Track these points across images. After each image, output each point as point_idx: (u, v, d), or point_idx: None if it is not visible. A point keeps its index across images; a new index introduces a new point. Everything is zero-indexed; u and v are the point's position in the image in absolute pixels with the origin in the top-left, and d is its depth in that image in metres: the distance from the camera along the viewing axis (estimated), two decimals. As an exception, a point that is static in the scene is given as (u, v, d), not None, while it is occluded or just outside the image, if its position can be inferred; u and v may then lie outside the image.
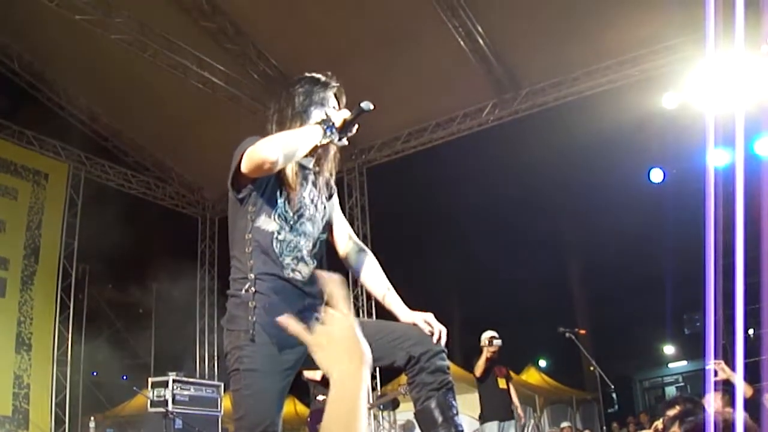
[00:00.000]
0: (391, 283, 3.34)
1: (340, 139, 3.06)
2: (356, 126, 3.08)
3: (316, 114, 3.12)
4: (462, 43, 11.81)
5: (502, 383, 10.03)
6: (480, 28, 11.72)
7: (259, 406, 2.87)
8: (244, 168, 2.85)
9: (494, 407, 9.92)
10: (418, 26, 11.70)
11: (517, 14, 11.52)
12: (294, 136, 2.94)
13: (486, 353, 9.78)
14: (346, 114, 3.04)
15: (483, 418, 10.03)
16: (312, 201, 3.11)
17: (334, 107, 3.19)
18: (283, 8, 11.66)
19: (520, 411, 10.34)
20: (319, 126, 2.98)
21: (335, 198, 3.34)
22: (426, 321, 3.08)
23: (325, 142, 3.02)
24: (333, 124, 2.99)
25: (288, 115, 3.11)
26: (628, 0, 10.84)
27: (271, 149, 2.78)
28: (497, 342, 9.84)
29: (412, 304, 3.20)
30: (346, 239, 3.37)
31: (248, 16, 11.93)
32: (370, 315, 13.43)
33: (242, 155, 2.86)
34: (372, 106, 3.01)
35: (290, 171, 3.03)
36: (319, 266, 3.11)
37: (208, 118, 13.57)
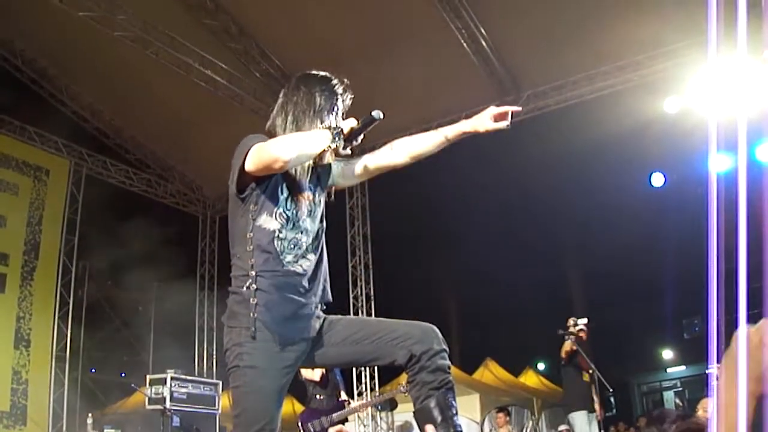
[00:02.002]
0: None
1: (344, 148, 3.06)
2: (362, 136, 3.08)
3: (330, 119, 3.13)
4: (465, 44, 11.83)
5: (586, 377, 10.01)
6: (483, 30, 11.74)
7: (258, 403, 2.87)
8: (251, 166, 2.84)
9: (580, 397, 9.90)
10: (421, 27, 11.71)
11: (519, 17, 11.53)
12: (304, 139, 2.94)
13: (573, 335, 9.84)
14: (353, 123, 3.04)
15: (569, 408, 10.01)
16: (310, 197, 3.11)
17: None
18: (286, 8, 11.68)
19: (597, 406, 10.30)
20: (328, 132, 2.98)
21: (334, 166, 3.31)
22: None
23: (332, 147, 3.01)
24: (341, 131, 2.99)
25: (309, 115, 3.10)
26: (630, 4, 10.85)
27: (285, 149, 2.80)
28: (581, 321, 9.91)
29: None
30: (372, 160, 3.38)
31: (251, 15, 11.94)
32: (369, 315, 13.44)
33: (247, 153, 2.86)
34: (382, 115, 3.01)
35: (296, 170, 3.03)
36: (320, 256, 3.11)
37: (210, 117, 13.59)
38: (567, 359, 9.98)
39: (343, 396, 8.83)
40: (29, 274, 12.85)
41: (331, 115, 3.14)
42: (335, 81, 3.21)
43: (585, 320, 10.03)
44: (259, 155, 2.81)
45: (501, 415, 13.22)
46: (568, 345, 9.88)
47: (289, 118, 3.11)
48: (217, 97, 12.80)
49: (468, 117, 11.75)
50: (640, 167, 14.01)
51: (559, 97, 12.99)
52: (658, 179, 13.04)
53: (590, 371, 10.11)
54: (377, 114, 3.01)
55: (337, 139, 2.97)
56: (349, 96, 3.23)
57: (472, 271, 25.16)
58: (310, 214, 3.09)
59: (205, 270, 16.63)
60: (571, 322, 9.97)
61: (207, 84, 12.43)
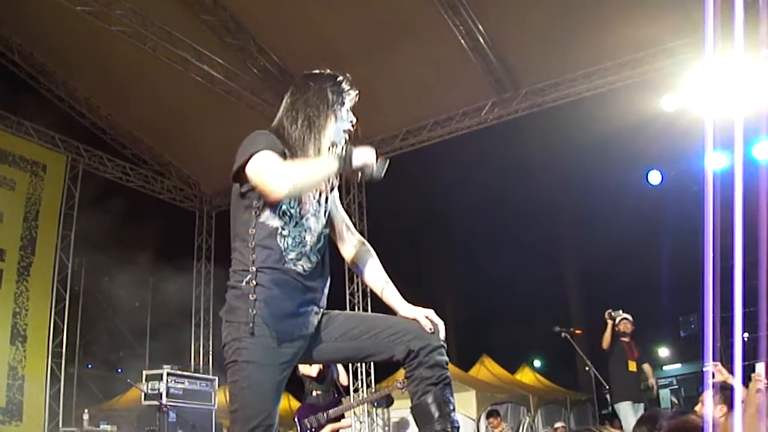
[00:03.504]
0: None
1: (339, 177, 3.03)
2: (360, 176, 2.98)
3: (342, 116, 3.14)
4: (462, 41, 11.82)
5: (632, 366, 10.00)
6: (481, 27, 11.72)
7: (256, 398, 2.86)
8: (250, 174, 2.84)
9: (625, 387, 9.91)
10: (419, 24, 11.70)
11: (517, 14, 11.53)
12: (310, 171, 2.90)
13: (609, 326, 9.91)
14: (369, 158, 2.95)
15: (614, 398, 10.03)
16: (314, 197, 3.09)
17: (351, 121, 3.19)
18: (284, 4, 11.66)
19: (651, 380, 10.25)
20: (336, 161, 2.92)
21: (336, 191, 3.33)
22: (426, 317, 3.07)
23: (337, 175, 2.99)
24: (351, 160, 2.91)
25: (323, 109, 3.08)
26: (628, 2, 10.85)
27: (283, 183, 2.77)
28: (615, 314, 9.95)
29: (408, 301, 3.20)
30: (345, 233, 3.36)
31: (249, 11, 11.93)
32: (366, 311, 13.45)
33: (252, 155, 2.84)
34: (382, 176, 2.97)
35: None
36: (322, 261, 3.10)
37: (207, 113, 13.57)
38: (609, 349, 10.03)
39: (342, 380, 8.88)
40: (25, 270, 12.84)
41: (342, 110, 3.14)
42: (342, 78, 3.20)
43: (620, 311, 10.09)
44: (260, 176, 2.81)
45: (491, 419, 13.28)
46: (607, 336, 9.95)
47: (301, 115, 3.08)
48: (215, 93, 12.78)
49: (465, 114, 11.69)
50: (638, 165, 14.03)
51: (556, 94, 12.96)
52: (655, 177, 13.05)
53: (643, 362, 10.15)
54: (378, 174, 2.96)
55: (343, 165, 2.91)
56: (355, 92, 3.22)
57: (469, 267, 25.23)
58: (315, 214, 3.08)
59: (202, 266, 16.62)
60: (606, 315, 10.04)
61: (204, 80, 12.42)
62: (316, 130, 3.05)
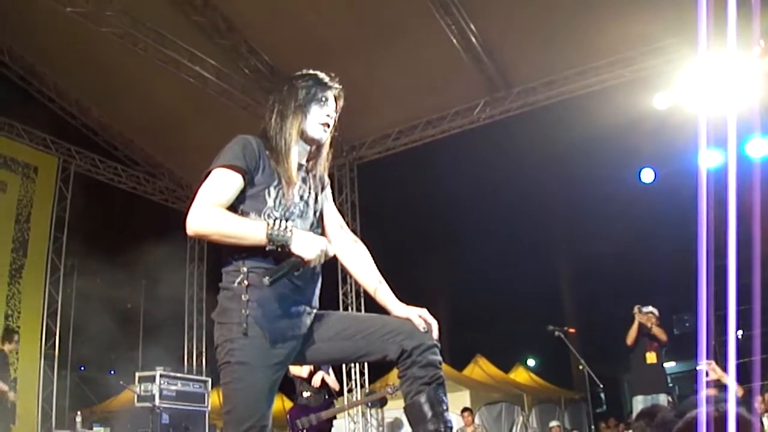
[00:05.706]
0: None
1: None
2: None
3: (315, 110, 3.12)
4: (454, 40, 11.81)
5: (650, 358, 9.95)
6: (473, 26, 11.71)
7: (249, 400, 2.85)
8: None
9: (640, 382, 9.99)
10: (411, 23, 11.69)
11: (509, 13, 11.52)
12: (230, 227, 2.84)
13: (636, 321, 9.94)
14: (311, 249, 2.84)
15: (632, 391, 10.09)
16: (302, 197, 3.07)
17: (329, 115, 3.17)
18: (275, 4, 11.63)
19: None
20: (265, 235, 2.81)
21: (327, 190, 3.32)
22: (419, 316, 3.07)
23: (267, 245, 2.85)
24: (286, 244, 2.81)
25: (291, 107, 3.09)
26: (621, 1, 10.86)
27: (196, 222, 2.83)
28: (645, 310, 9.94)
29: (401, 301, 3.19)
30: (338, 232, 3.34)
31: (240, 11, 11.89)
32: (359, 311, 13.43)
33: (212, 169, 3.01)
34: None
35: (288, 170, 3.01)
36: None
37: (199, 113, 13.54)
38: (633, 345, 10.04)
39: (332, 385, 8.90)
40: (17, 272, 12.81)
41: (317, 107, 3.13)
42: (320, 74, 3.20)
43: (648, 309, 10.09)
44: (195, 200, 2.90)
45: (465, 414, 13.25)
46: (632, 332, 9.95)
47: (275, 112, 3.12)
48: (206, 94, 12.74)
49: (458, 113, 11.69)
50: (630, 163, 14.02)
51: (549, 92, 12.97)
52: (647, 175, 13.06)
53: (656, 352, 10.11)
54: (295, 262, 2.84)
55: (273, 245, 2.81)
56: (337, 86, 3.20)
57: (463, 267, 25.19)
58: (302, 215, 3.07)
59: (194, 267, 16.59)
60: (635, 309, 10.05)
61: (195, 80, 12.38)
62: (286, 125, 3.07)
